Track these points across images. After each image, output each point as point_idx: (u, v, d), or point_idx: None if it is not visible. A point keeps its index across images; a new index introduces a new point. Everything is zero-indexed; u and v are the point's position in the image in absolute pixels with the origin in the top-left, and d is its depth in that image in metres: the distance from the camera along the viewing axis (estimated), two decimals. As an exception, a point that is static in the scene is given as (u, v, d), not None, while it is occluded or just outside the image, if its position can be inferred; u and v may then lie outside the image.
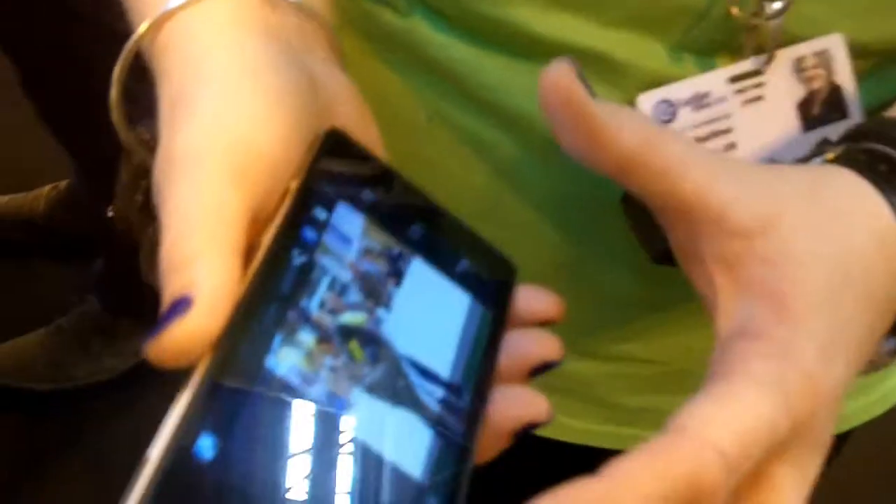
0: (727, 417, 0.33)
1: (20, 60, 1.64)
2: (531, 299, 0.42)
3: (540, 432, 0.68)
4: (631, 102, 0.51)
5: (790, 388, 0.34)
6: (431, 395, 0.37)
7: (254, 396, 0.32)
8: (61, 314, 1.98)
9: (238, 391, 0.31)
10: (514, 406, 0.38)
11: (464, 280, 0.41)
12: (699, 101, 0.51)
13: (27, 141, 1.99)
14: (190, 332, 0.31)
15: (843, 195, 0.40)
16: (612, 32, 0.51)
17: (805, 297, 0.36)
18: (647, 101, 0.51)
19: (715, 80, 0.51)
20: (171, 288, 0.32)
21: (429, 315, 0.39)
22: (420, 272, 0.40)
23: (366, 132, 0.42)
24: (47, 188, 2.14)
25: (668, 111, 0.51)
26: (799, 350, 0.35)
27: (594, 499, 0.30)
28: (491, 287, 0.42)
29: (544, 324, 0.42)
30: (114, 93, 0.41)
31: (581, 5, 0.51)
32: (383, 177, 0.41)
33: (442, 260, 0.41)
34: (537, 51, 0.53)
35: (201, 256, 0.32)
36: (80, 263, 2.00)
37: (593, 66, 0.53)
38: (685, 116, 0.51)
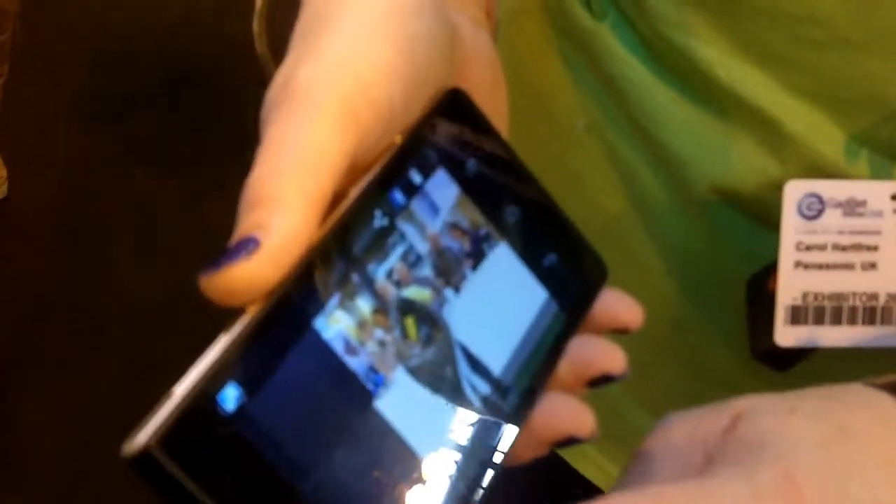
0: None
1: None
2: (612, 303, 0.40)
3: (599, 485, 0.67)
4: (782, 181, 0.48)
5: (761, 476, 0.32)
6: (476, 390, 0.35)
7: (292, 356, 0.31)
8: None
9: (278, 347, 0.30)
10: (561, 417, 0.37)
11: (547, 276, 0.39)
12: (853, 207, 0.48)
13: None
14: (248, 278, 0.30)
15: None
16: (794, 101, 0.49)
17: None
18: (797, 189, 0.48)
19: (878, 191, 0.48)
20: (243, 224, 0.31)
21: (498, 306, 0.37)
22: (502, 259, 0.38)
23: (494, 102, 0.40)
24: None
25: (815, 207, 0.48)
26: (791, 454, 0.33)
27: None
28: (575, 287, 0.40)
29: (618, 332, 0.40)
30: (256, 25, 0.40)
31: (771, 60, 0.48)
32: (496, 151, 0.39)
33: (530, 250, 0.39)
34: (713, 97, 0.51)
35: (282, 200, 0.31)
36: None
37: (763, 130, 0.50)
38: (832, 218, 0.48)
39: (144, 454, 0.27)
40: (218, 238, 0.32)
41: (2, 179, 2.11)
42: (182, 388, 0.28)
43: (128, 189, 2.19)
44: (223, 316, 0.30)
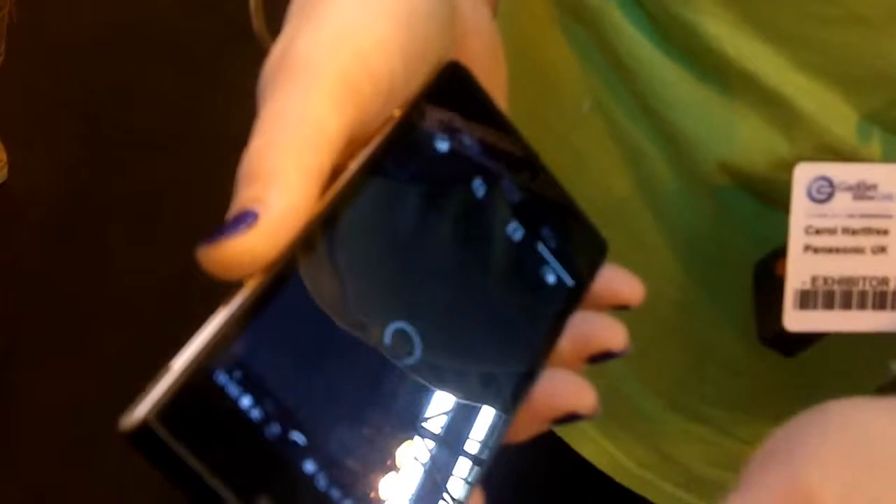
0: None
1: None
2: (613, 279, 0.39)
3: (599, 466, 0.66)
4: (793, 162, 0.47)
5: None
6: (476, 365, 0.35)
7: (292, 330, 0.30)
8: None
9: (277, 321, 0.30)
10: (562, 393, 0.36)
11: (549, 250, 0.38)
12: (864, 190, 0.47)
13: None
14: (246, 251, 0.29)
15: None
16: (803, 78, 0.48)
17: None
18: (806, 172, 0.47)
19: (889, 175, 0.47)
20: (241, 196, 0.30)
21: (500, 279, 0.37)
22: (503, 233, 0.37)
23: (493, 78, 0.39)
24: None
25: (825, 191, 0.47)
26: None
27: None
28: (576, 262, 0.39)
29: (619, 308, 0.40)
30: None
31: (781, 37, 0.47)
32: (495, 125, 0.38)
33: (531, 224, 0.38)
34: (721, 74, 0.50)
35: (281, 174, 0.30)
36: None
37: (772, 108, 0.49)
38: (842, 202, 0.47)
39: (143, 428, 0.26)
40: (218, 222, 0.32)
41: (2, 163, 2.10)
42: (180, 362, 0.28)
43: (127, 178, 2.18)
44: (221, 301, 0.29)
